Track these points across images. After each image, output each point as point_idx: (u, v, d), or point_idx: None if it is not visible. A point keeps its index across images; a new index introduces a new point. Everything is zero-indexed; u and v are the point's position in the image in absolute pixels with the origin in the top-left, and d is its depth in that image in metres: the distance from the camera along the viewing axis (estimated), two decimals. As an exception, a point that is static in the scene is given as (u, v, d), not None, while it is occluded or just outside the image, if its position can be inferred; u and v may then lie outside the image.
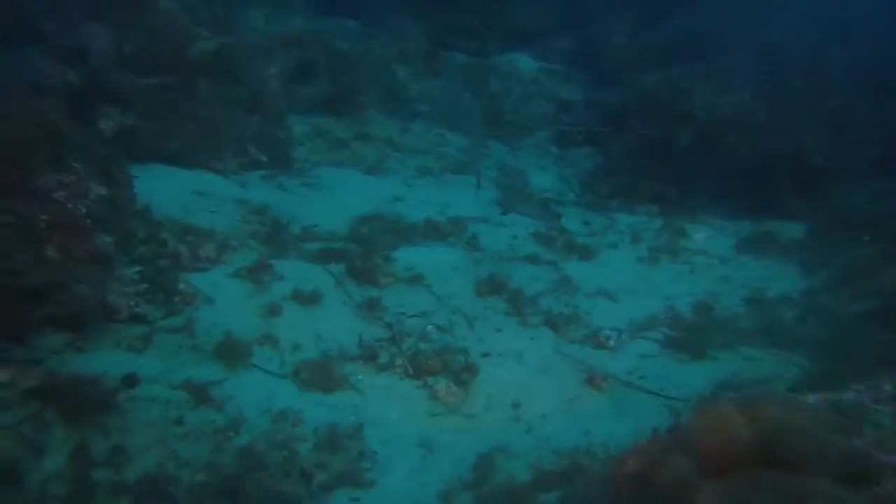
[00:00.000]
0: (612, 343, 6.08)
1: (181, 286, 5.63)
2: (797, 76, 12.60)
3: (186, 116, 8.00)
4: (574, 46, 14.19)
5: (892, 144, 13.19)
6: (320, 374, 5.20)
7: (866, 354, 5.64)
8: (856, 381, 4.26)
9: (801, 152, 11.58)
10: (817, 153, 11.76)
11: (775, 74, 12.51)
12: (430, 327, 6.06)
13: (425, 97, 12.57)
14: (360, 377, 5.36)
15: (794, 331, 6.35)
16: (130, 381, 4.30)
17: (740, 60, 12.50)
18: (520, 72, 13.45)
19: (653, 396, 5.43)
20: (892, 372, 4.19)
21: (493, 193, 10.13)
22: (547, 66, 13.76)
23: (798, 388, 4.87)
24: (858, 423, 3.43)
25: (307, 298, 6.12)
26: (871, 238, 8.41)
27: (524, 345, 6.04)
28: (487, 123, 12.51)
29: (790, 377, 5.62)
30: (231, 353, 5.18)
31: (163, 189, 7.09)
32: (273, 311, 5.84)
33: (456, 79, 13.12)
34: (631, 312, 6.69)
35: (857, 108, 12.97)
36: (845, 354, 5.78)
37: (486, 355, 5.80)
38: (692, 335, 6.17)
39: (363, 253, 6.97)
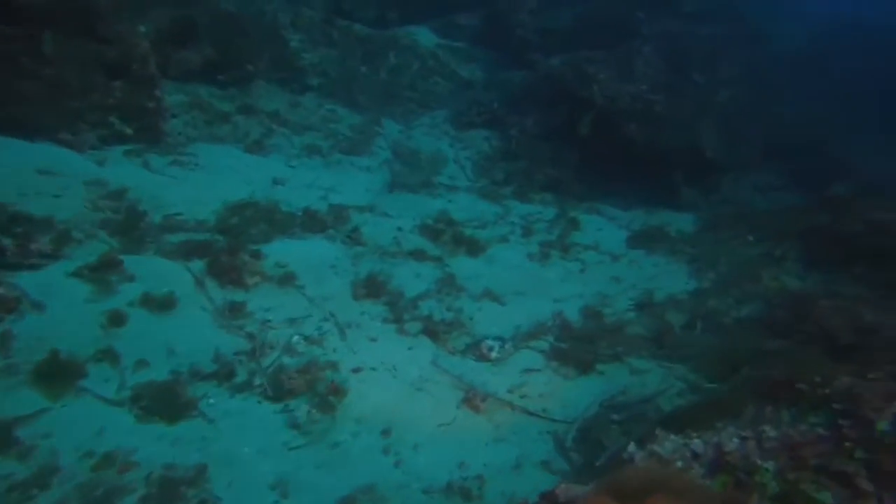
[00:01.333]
0: (494, 354, 5.59)
1: (0, 289, 4.71)
2: (694, 69, 12.51)
3: (27, 75, 6.85)
4: (478, 23, 13.56)
5: (774, 139, 13.43)
6: (165, 399, 4.44)
7: (749, 371, 5.44)
8: (739, 418, 3.98)
9: (695, 144, 11.52)
10: (709, 145, 11.75)
11: (674, 65, 12.36)
12: (296, 338, 5.38)
13: (319, 68, 11.65)
14: (212, 401, 4.63)
15: (682, 339, 6.07)
16: None
17: (642, 49, 12.26)
18: (419, 47, 12.72)
19: (535, 418, 4.99)
20: (774, 407, 3.92)
21: (384, 176, 9.47)
22: (448, 43, 13.09)
23: (682, 416, 4.54)
24: (747, 490, 3.10)
25: (160, 303, 5.30)
26: (754, 238, 8.34)
27: (400, 357, 5.46)
28: (383, 100, 11.76)
29: (676, 392, 5.35)
30: (56, 375, 4.34)
31: (-8, 167, 6.03)
32: (117, 319, 4.99)
33: (353, 50, 12.24)
34: (518, 317, 6.23)
35: (747, 104, 13.07)
36: (730, 368, 5.57)
37: (357, 370, 5.19)
38: (580, 345, 5.77)
39: (230, 247, 6.17)
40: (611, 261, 7.74)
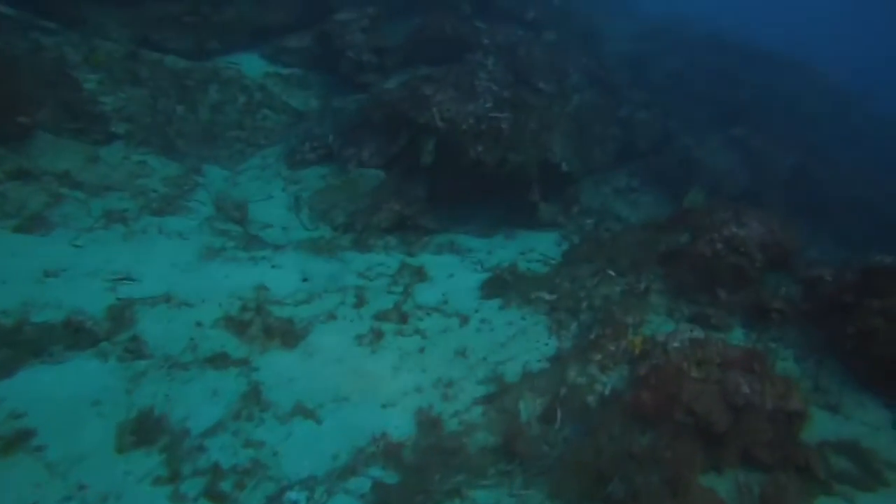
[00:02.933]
0: (300, 513, 4.01)
1: None
2: (540, 78, 11.34)
3: None
4: (310, 45, 11.76)
5: (626, 140, 12.56)
6: None
7: (617, 486, 4.14)
8: None
9: (548, 158, 10.37)
10: (563, 157, 10.63)
11: (520, 76, 11.14)
12: (9, 548, 3.59)
13: (124, 113, 9.54)
14: None
15: (538, 442, 4.70)
16: None
17: (484, 62, 10.94)
18: (245, 77, 10.81)
19: None
20: None
21: (201, 240, 7.63)
22: (278, 70, 11.24)
23: None
24: None
25: None
26: (615, 272, 7.16)
27: (170, 544, 3.78)
28: (205, 143, 9.83)
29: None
30: None
31: None
32: None
33: (166, 88, 10.19)
34: (336, 441, 4.67)
35: (596, 107, 12.10)
36: (596, 481, 4.25)
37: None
38: (410, 479, 4.28)
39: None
40: (459, 325, 6.30)
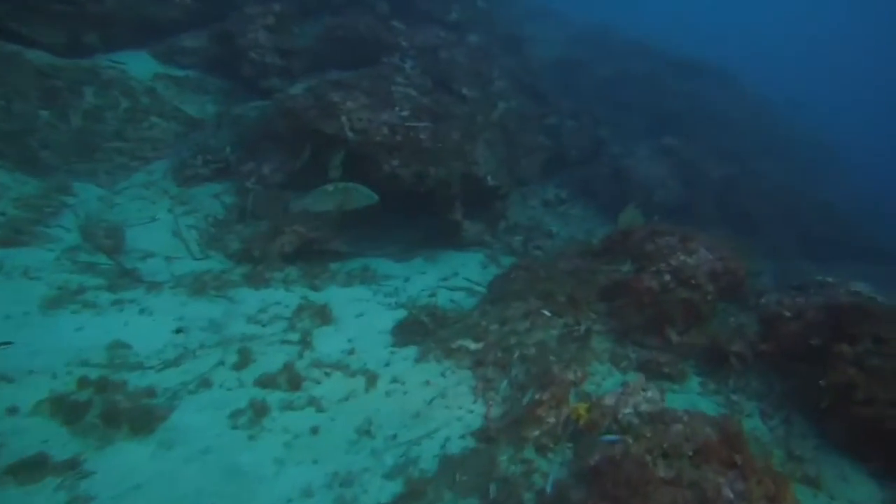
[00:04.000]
0: None
1: None
2: (464, 83, 10.08)
3: None
4: (208, 44, 10.09)
5: (554, 150, 11.54)
6: None
7: None
8: None
9: (472, 171, 9.11)
10: (488, 170, 9.40)
11: (441, 81, 9.85)
12: None
13: (-28, 120, 7.70)
14: None
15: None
16: None
17: (402, 66, 9.59)
18: (130, 79, 9.05)
19: None
20: None
21: (57, 278, 5.97)
22: (171, 72, 9.52)
23: None
24: None
25: None
26: (550, 312, 5.95)
27: None
28: (78, 155, 8.09)
29: None
30: None
31: None
32: None
33: (26, 89, 8.34)
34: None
35: (522, 115, 10.95)
36: None
37: None
38: None
39: None
40: (364, 388, 4.93)
